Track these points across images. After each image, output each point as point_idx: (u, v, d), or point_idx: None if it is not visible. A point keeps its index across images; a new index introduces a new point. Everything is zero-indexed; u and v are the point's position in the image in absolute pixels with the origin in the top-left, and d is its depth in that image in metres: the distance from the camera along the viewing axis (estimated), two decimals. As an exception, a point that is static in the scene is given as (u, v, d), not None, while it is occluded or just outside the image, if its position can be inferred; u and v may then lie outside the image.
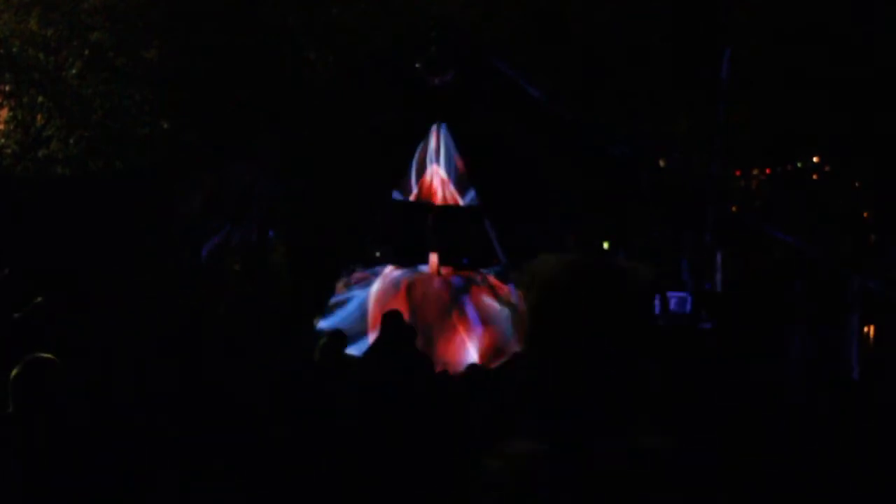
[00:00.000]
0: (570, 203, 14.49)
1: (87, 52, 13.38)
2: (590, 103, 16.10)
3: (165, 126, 13.70)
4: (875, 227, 18.03)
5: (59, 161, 13.29)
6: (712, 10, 15.81)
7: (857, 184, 18.52)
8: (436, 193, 14.70)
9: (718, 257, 14.99)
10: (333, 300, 13.88)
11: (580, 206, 14.53)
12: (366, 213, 14.15)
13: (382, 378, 7.53)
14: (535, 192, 14.12)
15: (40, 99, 13.34)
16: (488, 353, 13.40)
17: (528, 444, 1.96)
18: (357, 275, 14.26)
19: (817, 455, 6.92)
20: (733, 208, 16.11)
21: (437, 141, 14.58)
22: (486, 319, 13.80)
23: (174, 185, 13.33)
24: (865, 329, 15.12)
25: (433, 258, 14.36)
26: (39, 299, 7.14)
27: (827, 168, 18.86)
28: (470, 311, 13.79)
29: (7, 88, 13.42)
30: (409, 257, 14.32)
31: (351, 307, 13.90)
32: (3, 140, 13.45)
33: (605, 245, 15.61)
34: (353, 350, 10.56)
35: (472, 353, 13.39)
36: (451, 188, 14.69)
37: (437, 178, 14.66)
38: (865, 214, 18.37)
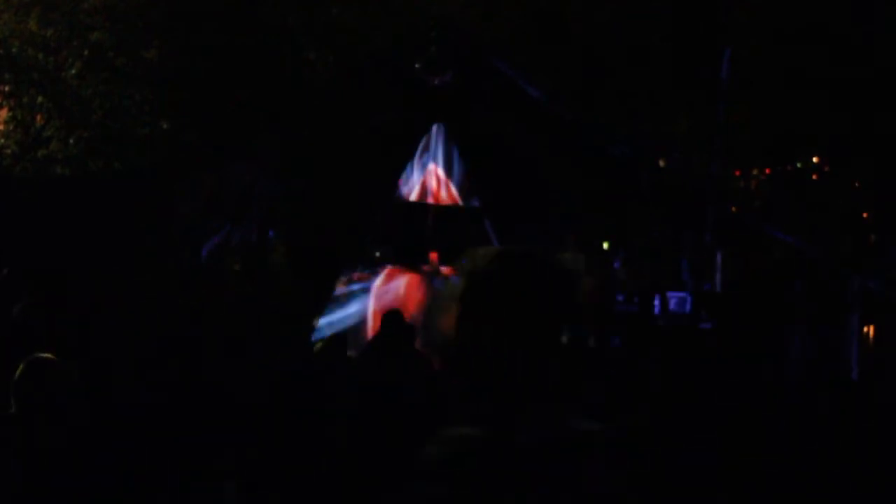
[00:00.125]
0: (570, 203, 14.47)
1: (86, 52, 13.38)
2: (590, 103, 16.10)
3: (165, 126, 13.70)
4: (875, 227, 18.03)
5: (59, 161, 13.29)
6: (712, 10, 15.81)
7: (857, 184, 18.51)
8: (435, 193, 14.69)
9: (718, 257, 14.98)
10: (333, 300, 13.88)
11: (580, 206, 14.51)
12: (366, 213, 14.14)
13: (382, 378, 7.53)
14: (535, 192, 14.10)
15: (40, 99, 13.35)
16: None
17: (463, 429, 1.96)
18: (357, 275, 14.25)
19: (817, 455, 6.92)
20: (733, 208, 16.10)
21: (436, 141, 14.57)
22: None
23: (174, 185, 13.33)
24: (865, 329, 15.11)
25: (433, 258, 14.36)
26: (25, 301, 7.13)
27: (827, 168, 18.85)
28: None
29: (7, 88, 13.42)
30: (409, 257, 14.31)
31: (351, 307, 13.89)
32: (2, 140, 13.45)
33: (605, 245, 15.61)
34: (352, 350, 10.56)
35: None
36: (451, 188, 14.68)
37: (437, 178, 14.65)
38: (865, 214, 18.37)
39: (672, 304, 14.88)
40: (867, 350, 14.80)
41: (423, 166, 14.64)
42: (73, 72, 13.36)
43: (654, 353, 12.76)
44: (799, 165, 19.21)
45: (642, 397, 8.08)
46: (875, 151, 16.86)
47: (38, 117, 13.50)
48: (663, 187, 14.71)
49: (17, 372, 4.10)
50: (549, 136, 14.14)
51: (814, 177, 19.03)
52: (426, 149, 14.59)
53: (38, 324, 6.93)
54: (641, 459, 5.54)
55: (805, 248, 14.16)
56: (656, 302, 14.93)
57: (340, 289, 13.96)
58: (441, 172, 14.66)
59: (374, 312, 13.26)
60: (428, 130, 14.50)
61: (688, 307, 14.72)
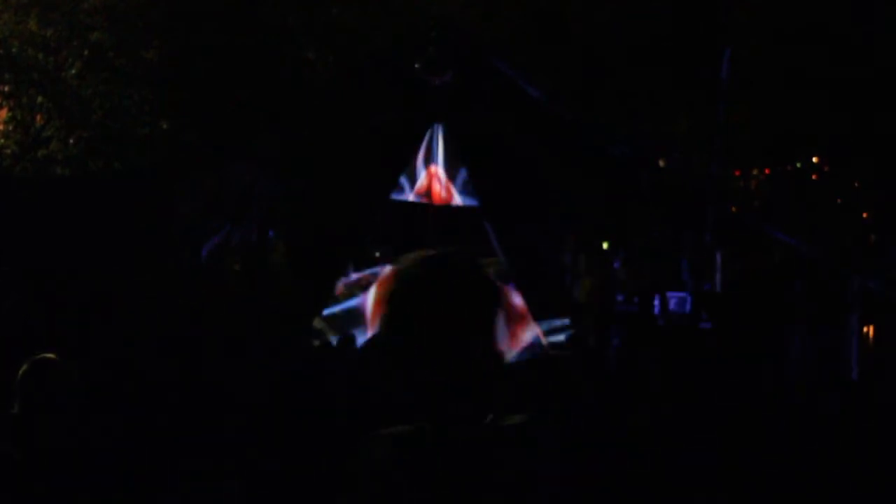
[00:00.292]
0: (570, 203, 14.47)
1: (86, 52, 13.38)
2: (590, 103, 16.10)
3: (165, 126, 13.71)
4: (875, 227, 18.03)
5: (59, 161, 13.29)
6: (712, 10, 15.80)
7: (856, 184, 18.50)
8: (435, 193, 14.69)
9: (718, 257, 14.98)
10: (333, 300, 13.89)
11: (580, 206, 14.51)
12: (366, 213, 14.14)
13: (382, 377, 7.52)
14: (535, 192, 14.11)
15: (40, 99, 13.35)
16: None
17: (398, 427, 2.03)
18: (357, 275, 14.27)
19: (817, 455, 6.92)
20: (733, 208, 16.10)
21: (436, 141, 14.57)
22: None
23: (174, 185, 13.33)
24: (865, 329, 15.11)
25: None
26: (14, 296, 7.15)
27: (827, 168, 18.85)
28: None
29: (7, 88, 13.42)
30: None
31: (350, 307, 13.91)
32: (2, 140, 13.45)
33: (605, 245, 15.61)
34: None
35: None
36: (451, 188, 14.69)
37: (437, 177, 14.65)
38: (865, 214, 18.37)
39: (672, 304, 14.88)
40: (867, 350, 14.81)
41: (424, 166, 14.65)
42: (73, 72, 13.36)
43: (654, 353, 12.77)
44: (799, 165, 19.20)
45: (642, 397, 8.09)
46: (875, 151, 16.85)
47: (38, 117, 13.50)
48: (663, 187, 14.71)
49: (21, 371, 4.11)
50: (549, 136, 14.14)
51: (814, 177, 19.02)
52: (426, 149, 14.59)
53: (39, 324, 6.93)
54: (575, 449, 5.56)
55: (805, 248, 14.16)
56: (656, 302, 14.93)
57: (340, 291, 13.98)
58: (441, 172, 14.66)
59: (373, 312, 13.26)
60: (428, 130, 14.50)
61: (688, 307, 14.72)
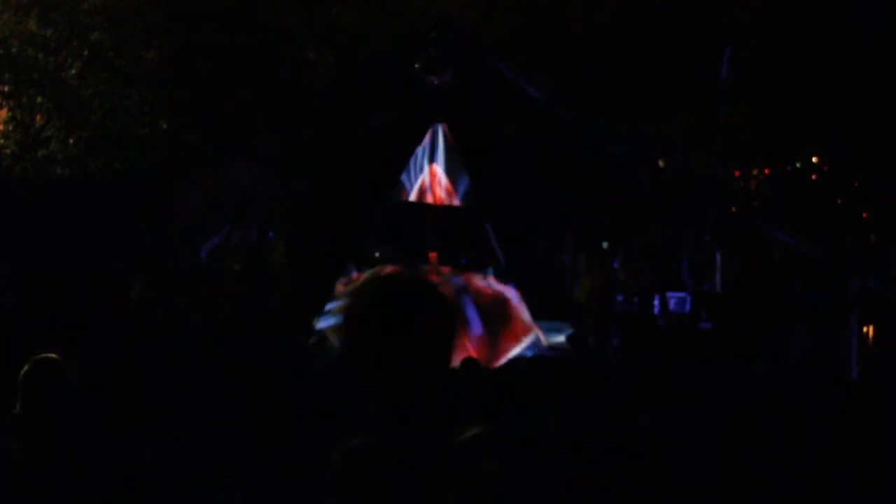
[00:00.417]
0: (570, 203, 14.48)
1: (86, 52, 13.38)
2: (590, 103, 16.09)
3: (165, 126, 13.70)
4: (875, 227, 18.02)
5: (59, 161, 13.29)
6: (712, 10, 15.80)
7: (856, 184, 18.50)
8: (435, 193, 14.70)
9: (718, 257, 14.98)
10: (332, 300, 13.89)
11: (580, 206, 14.52)
12: (366, 213, 14.15)
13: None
14: (535, 192, 14.12)
15: (40, 99, 13.34)
16: (488, 352, 13.40)
17: (353, 440, 2.07)
18: (357, 276, 14.26)
19: (817, 455, 6.92)
20: (733, 208, 16.10)
21: (436, 141, 14.58)
22: (486, 319, 13.81)
23: (174, 185, 13.33)
24: (865, 329, 15.11)
25: (433, 258, 14.37)
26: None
27: (827, 168, 18.84)
28: (470, 310, 13.80)
29: (7, 88, 13.41)
30: (409, 257, 14.32)
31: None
32: (2, 140, 13.45)
33: (605, 245, 15.61)
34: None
35: (470, 352, 13.41)
36: (451, 188, 14.70)
37: (437, 178, 14.66)
38: (865, 214, 18.36)
39: (672, 304, 14.88)
40: (867, 350, 14.81)
41: (424, 166, 14.66)
42: (73, 72, 13.36)
43: (654, 353, 12.77)
44: (799, 165, 19.19)
45: (642, 397, 8.08)
46: (875, 151, 16.85)
47: (38, 117, 13.50)
48: (663, 187, 14.72)
49: (23, 371, 4.11)
50: (549, 136, 14.15)
51: (814, 177, 19.01)
52: (426, 149, 14.61)
53: (38, 324, 6.93)
54: (575, 449, 5.57)
55: (805, 248, 14.16)
56: (656, 302, 14.93)
57: (340, 291, 13.97)
58: (441, 172, 14.67)
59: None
60: (428, 130, 14.51)
61: (688, 307, 14.72)
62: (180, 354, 8.36)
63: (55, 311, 9.47)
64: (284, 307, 12.73)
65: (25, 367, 4.13)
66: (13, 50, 13.17)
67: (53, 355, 4.21)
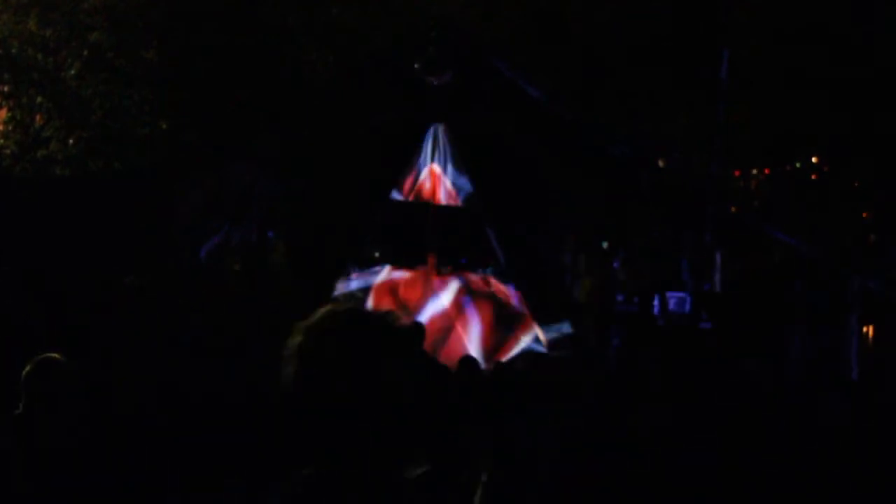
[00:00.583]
0: (570, 203, 14.48)
1: (86, 52, 13.37)
2: (590, 103, 16.11)
3: (165, 126, 13.70)
4: (875, 227, 18.03)
5: (59, 161, 13.29)
6: (712, 10, 15.80)
7: (856, 184, 18.51)
8: (435, 193, 14.70)
9: (718, 257, 14.98)
10: (333, 299, 13.88)
11: (580, 206, 14.52)
12: (366, 213, 14.15)
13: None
14: (535, 192, 14.11)
15: (39, 99, 13.34)
16: (488, 352, 13.41)
17: (303, 470, 2.09)
18: (357, 275, 14.26)
19: (817, 455, 6.92)
20: (733, 208, 16.10)
21: (436, 141, 14.57)
22: (485, 319, 13.82)
23: (174, 185, 13.33)
24: (865, 329, 15.12)
25: (432, 258, 14.36)
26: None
27: (827, 168, 18.85)
28: (469, 310, 13.81)
29: (6, 89, 13.41)
30: (409, 257, 14.32)
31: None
32: (2, 140, 13.45)
33: (605, 245, 15.62)
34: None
35: (470, 352, 13.41)
36: (451, 189, 14.69)
37: (436, 177, 14.65)
38: (865, 214, 18.37)
39: (672, 304, 14.89)
40: (867, 350, 14.81)
41: (424, 166, 14.65)
42: (73, 72, 13.35)
43: (654, 353, 12.78)
44: (799, 165, 19.21)
45: (642, 397, 8.09)
46: (875, 151, 16.86)
47: (38, 117, 13.49)
48: (663, 187, 14.72)
49: (25, 371, 4.11)
50: (549, 136, 14.15)
51: (814, 177, 19.03)
52: (427, 149, 14.60)
53: (39, 324, 6.93)
54: (575, 449, 5.57)
55: (805, 248, 14.16)
56: (656, 302, 14.93)
57: (340, 291, 13.97)
58: (441, 173, 14.66)
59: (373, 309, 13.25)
60: (428, 130, 14.50)
61: (688, 307, 14.73)
62: (180, 354, 8.36)
63: (55, 311, 9.47)
64: (284, 307, 12.72)
65: (27, 368, 4.13)
66: (13, 50, 13.17)
67: (55, 355, 4.21)
